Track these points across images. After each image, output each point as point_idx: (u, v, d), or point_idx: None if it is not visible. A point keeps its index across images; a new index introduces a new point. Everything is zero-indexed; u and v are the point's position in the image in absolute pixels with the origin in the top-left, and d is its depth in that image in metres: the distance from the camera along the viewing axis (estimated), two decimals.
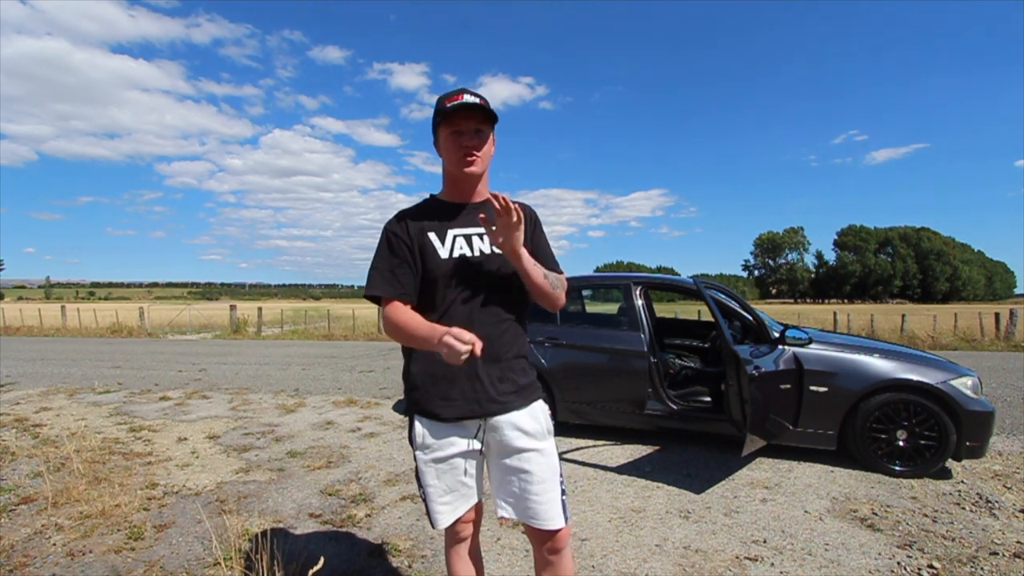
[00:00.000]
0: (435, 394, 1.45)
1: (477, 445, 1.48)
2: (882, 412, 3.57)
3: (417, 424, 1.50)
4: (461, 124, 1.42)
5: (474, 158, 1.44)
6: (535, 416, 1.50)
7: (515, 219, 1.33)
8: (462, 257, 1.45)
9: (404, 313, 1.41)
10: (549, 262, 1.57)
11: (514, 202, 1.50)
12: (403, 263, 1.45)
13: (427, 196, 1.57)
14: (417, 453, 1.50)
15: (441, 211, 1.50)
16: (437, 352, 1.33)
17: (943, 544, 2.61)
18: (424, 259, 1.45)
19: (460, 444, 1.47)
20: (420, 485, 1.51)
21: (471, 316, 1.43)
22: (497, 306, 1.47)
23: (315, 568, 1.84)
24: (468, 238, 1.48)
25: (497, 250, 1.44)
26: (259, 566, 2.21)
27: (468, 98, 1.40)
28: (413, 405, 1.50)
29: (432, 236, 1.46)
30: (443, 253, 1.45)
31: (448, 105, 1.40)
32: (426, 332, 1.33)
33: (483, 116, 1.42)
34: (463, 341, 1.22)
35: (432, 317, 1.43)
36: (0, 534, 2.63)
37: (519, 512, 1.48)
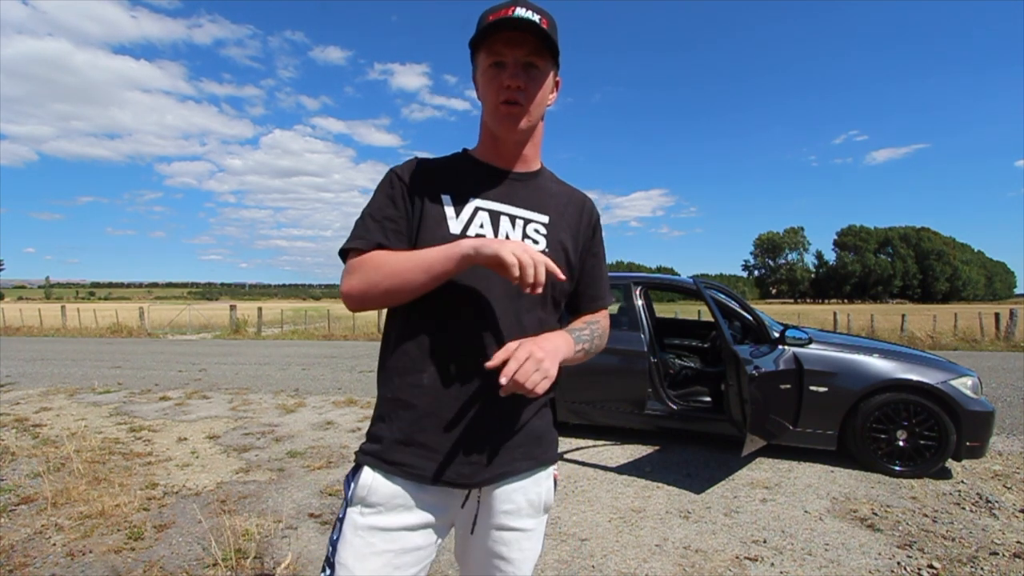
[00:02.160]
0: (407, 437, 0.96)
1: (455, 518, 1.03)
2: (882, 412, 3.57)
3: (366, 472, 0.97)
4: (504, 51, 0.94)
5: (516, 106, 0.95)
6: (539, 486, 1.05)
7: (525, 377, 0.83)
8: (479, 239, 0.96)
9: (391, 254, 0.95)
10: (597, 290, 1.13)
11: (569, 188, 1.13)
12: (400, 217, 1.00)
13: (459, 151, 1.11)
14: (350, 511, 0.96)
15: (469, 172, 1.04)
16: (424, 372, 0.96)
17: (943, 544, 2.61)
18: (426, 228, 0.98)
19: (429, 514, 0.97)
20: (330, 562, 0.95)
21: (479, 328, 0.96)
22: (518, 323, 0.98)
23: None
24: (495, 216, 1.01)
25: (532, 244, 1.02)
26: (259, 566, 2.21)
27: (520, 12, 0.91)
28: (371, 443, 0.99)
29: (447, 200, 1.00)
30: (454, 226, 0.98)
31: (490, 19, 0.92)
32: (435, 253, 0.90)
33: (539, 42, 0.93)
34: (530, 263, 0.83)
35: (424, 318, 0.98)
36: (0, 534, 2.63)
37: None
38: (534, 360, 0.84)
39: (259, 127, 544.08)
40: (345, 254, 0.99)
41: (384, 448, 0.97)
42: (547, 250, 1.02)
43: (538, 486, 1.05)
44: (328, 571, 0.95)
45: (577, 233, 1.08)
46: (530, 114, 0.98)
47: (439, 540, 1.01)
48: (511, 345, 0.86)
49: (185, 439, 4.45)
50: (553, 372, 0.87)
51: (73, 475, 3.39)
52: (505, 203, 1.02)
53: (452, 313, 0.96)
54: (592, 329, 1.06)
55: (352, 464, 1.02)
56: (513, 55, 0.94)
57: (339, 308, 25.86)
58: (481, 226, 1.00)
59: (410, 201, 1.00)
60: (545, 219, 1.05)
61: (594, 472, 3.68)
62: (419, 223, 0.99)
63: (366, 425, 4.96)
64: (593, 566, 2.41)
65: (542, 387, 0.84)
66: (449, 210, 1.00)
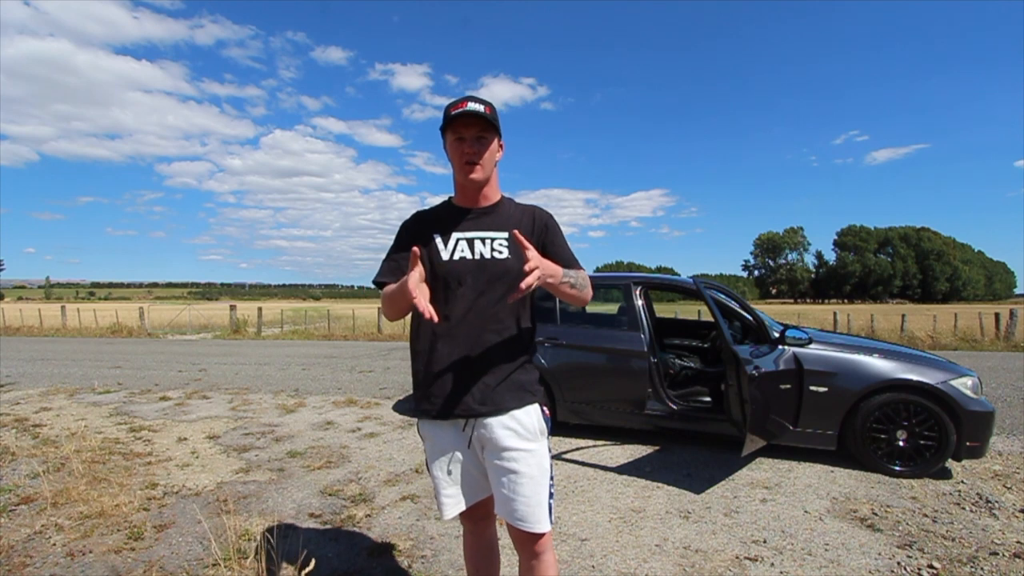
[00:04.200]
0: (429, 392, 1.51)
1: (471, 441, 1.52)
2: (882, 412, 3.57)
3: (419, 421, 1.59)
4: (463, 131, 1.46)
5: (474, 165, 1.47)
6: (528, 415, 1.50)
7: (533, 257, 1.29)
8: (462, 259, 1.50)
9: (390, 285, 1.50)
10: (568, 263, 1.58)
11: (524, 206, 1.62)
12: (405, 256, 1.53)
13: (446, 199, 1.64)
14: (424, 442, 1.60)
15: (450, 214, 1.57)
16: (434, 350, 1.50)
17: (943, 544, 2.61)
18: (429, 259, 1.52)
19: (454, 439, 1.53)
20: (428, 469, 1.59)
21: (466, 315, 1.48)
22: (493, 307, 1.49)
23: (307, 569, 1.84)
24: (470, 241, 1.52)
25: (498, 255, 1.50)
26: (259, 566, 2.21)
27: (471, 106, 1.43)
28: (415, 402, 1.57)
29: (437, 238, 1.54)
30: (444, 255, 1.51)
31: (452, 112, 1.44)
32: (398, 287, 1.40)
33: (485, 124, 1.45)
34: (411, 292, 1.25)
35: (425, 321, 1.47)
36: (0, 534, 2.63)
37: (505, 513, 1.48)
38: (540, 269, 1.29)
39: (260, 127, 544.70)
40: (376, 279, 1.56)
41: (418, 403, 1.55)
42: (510, 256, 1.50)
43: (527, 416, 1.50)
44: (432, 478, 1.57)
45: (531, 237, 1.53)
46: (483, 168, 1.49)
47: (474, 457, 1.53)
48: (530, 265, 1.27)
49: (185, 439, 4.45)
50: (547, 271, 1.33)
51: (73, 475, 3.39)
52: (476, 231, 1.54)
53: (445, 311, 1.49)
54: (576, 274, 1.50)
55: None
56: (469, 132, 1.46)
57: (339, 308, 25.84)
58: (462, 250, 1.51)
59: (412, 242, 1.48)
60: (505, 235, 1.53)
61: (594, 472, 3.68)
62: (425, 256, 1.51)
63: (366, 425, 5.01)
64: (593, 566, 2.41)
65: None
66: (440, 244, 1.53)
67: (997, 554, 2.50)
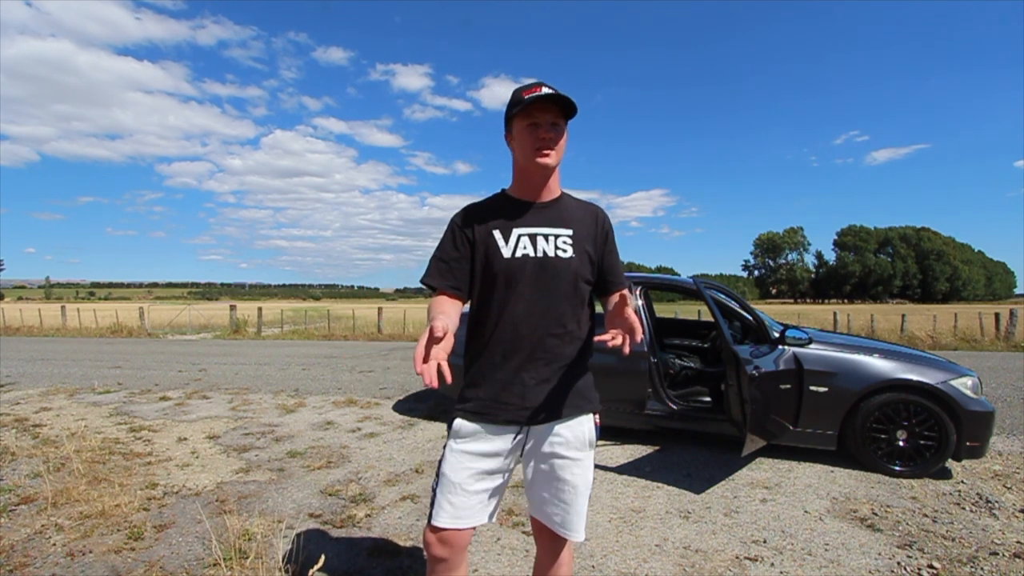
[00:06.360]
0: (482, 395, 1.43)
1: (516, 451, 1.45)
2: (882, 412, 3.57)
3: (458, 419, 1.44)
4: (538, 116, 1.38)
5: (549, 151, 1.39)
6: (582, 425, 1.46)
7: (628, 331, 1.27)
8: (524, 257, 1.41)
9: (436, 304, 1.41)
10: (619, 277, 1.55)
11: (585, 203, 1.54)
12: (461, 258, 1.44)
13: (499, 191, 1.54)
14: (449, 442, 1.44)
15: (509, 208, 1.47)
16: (492, 351, 1.42)
17: (943, 544, 2.61)
18: (487, 257, 1.43)
19: (497, 445, 1.42)
20: (437, 474, 1.43)
21: (528, 317, 1.40)
22: (556, 309, 1.42)
23: (316, 567, 1.84)
24: (533, 237, 1.43)
25: (562, 253, 1.42)
26: (259, 566, 2.21)
27: (546, 90, 1.36)
28: (461, 400, 1.46)
29: (497, 234, 1.43)
30: (506, 252, 1.41)
31: (526, 97, 1.36)
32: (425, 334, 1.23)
33: (560, 109, 1.38)
34: (424, 351, 1.08)
35: (490, 315, 1.43)
36: (0, 534, 2.63)
37: (546, 518, 1.46)
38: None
39: (260, 127, 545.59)
40: (424, 281, 1.47)
41: (471, 404, 1.43)
42: (574, 256, 1.44)
43: (581, 426, 1.46)
44: (437, 479, 1.43)
45: (595, 238, 1.50)
46: (556, 155, 1.41)
47: (509, 467, 1.46)
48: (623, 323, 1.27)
49: (185, 439, 4.45)
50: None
51: (73, 475, 3.38)
52: (538, 226, 1.44)
53: (505, 312, 1.41)
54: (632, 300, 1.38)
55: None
56: (545, 118, 1.37)
57: (339, 308, 25.83)
58: (524, 247, 1.42)
59: (468, 241, 1.45)
60: (570, 232, 1.46)
61: (594, 472, 3.67)
62: (483, 253, 1.43)
63: (366, 425, 5.01)
64: (593, 566, 2.41)
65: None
66: (500, 240, 1.43)
67: (997, 554, 2.50)
